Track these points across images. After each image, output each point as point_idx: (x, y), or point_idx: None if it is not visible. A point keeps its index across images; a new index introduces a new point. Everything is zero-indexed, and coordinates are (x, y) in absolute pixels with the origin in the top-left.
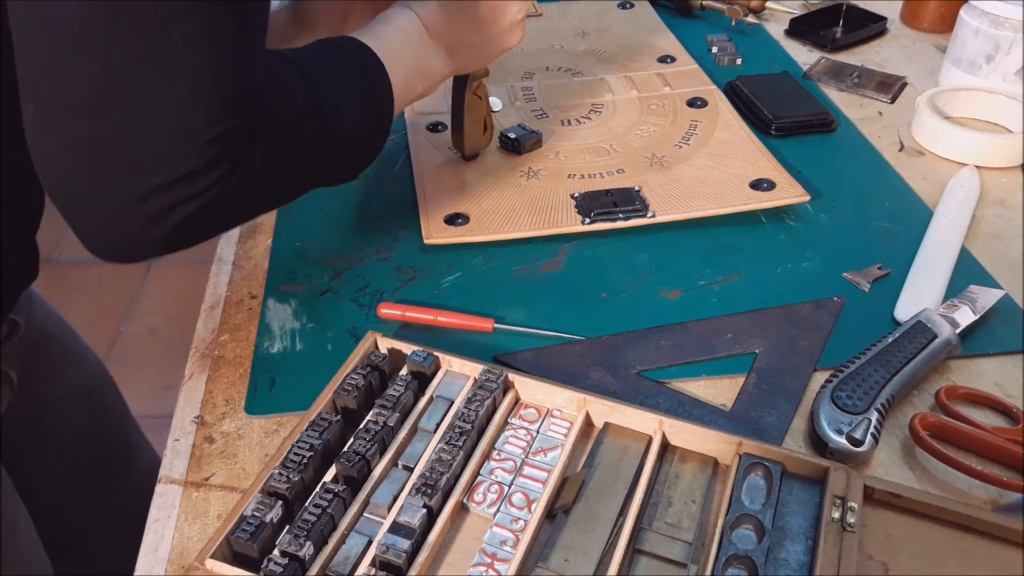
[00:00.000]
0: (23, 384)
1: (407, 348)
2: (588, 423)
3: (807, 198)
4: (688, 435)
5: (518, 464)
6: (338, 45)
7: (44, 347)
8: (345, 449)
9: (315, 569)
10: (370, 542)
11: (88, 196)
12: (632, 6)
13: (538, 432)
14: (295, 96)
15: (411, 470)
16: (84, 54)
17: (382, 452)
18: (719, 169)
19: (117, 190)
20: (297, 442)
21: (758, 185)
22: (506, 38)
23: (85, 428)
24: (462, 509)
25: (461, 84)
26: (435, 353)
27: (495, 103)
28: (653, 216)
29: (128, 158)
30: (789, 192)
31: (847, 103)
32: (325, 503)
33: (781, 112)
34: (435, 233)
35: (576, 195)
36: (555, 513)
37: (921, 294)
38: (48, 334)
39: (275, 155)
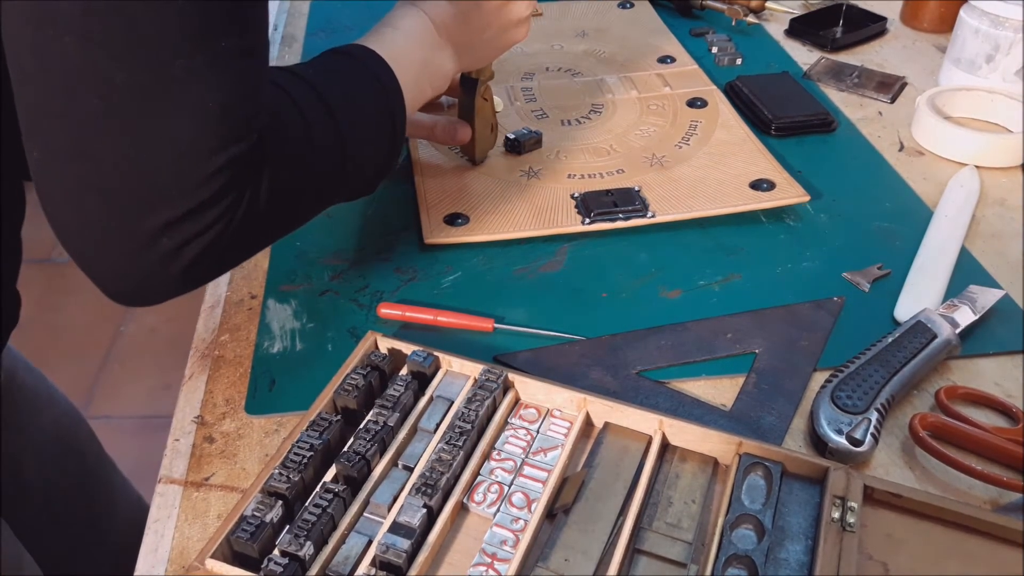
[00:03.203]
0: (1, 436)
1: (407, 348)
2: (588, 423)
3: (807, 198)
4: (688, 435)
5: (518, 464)
6: (348, 56)
7: (14, 395)
8: (345, 449)
9: (315, 569)
10: (370, 542)
11: (98, 240)
12: (632, 6)
13: (538, 432)
14: (306, 115)
15: (411, 470)
16: (84, 92)
17: (382, 452)
18: (719, 169)
19: (126, 232)
20: (297, 442)
21: (758, 185)
22: (513, 34)
23: (64, 474)
24: (462, 509)
25: (470, 90)
26: (435, 353)
27: (498, 103)
28: (653, 216)
29: (134, 197)
30: (789, 192)
31: (847, 103)
32: (325, 503)
33: (781, 112)
34: (435, 233)
35: (576, 195)
36: (555, 513)
37: (921, 294)
38: (17, 381)
39: (286, 178)
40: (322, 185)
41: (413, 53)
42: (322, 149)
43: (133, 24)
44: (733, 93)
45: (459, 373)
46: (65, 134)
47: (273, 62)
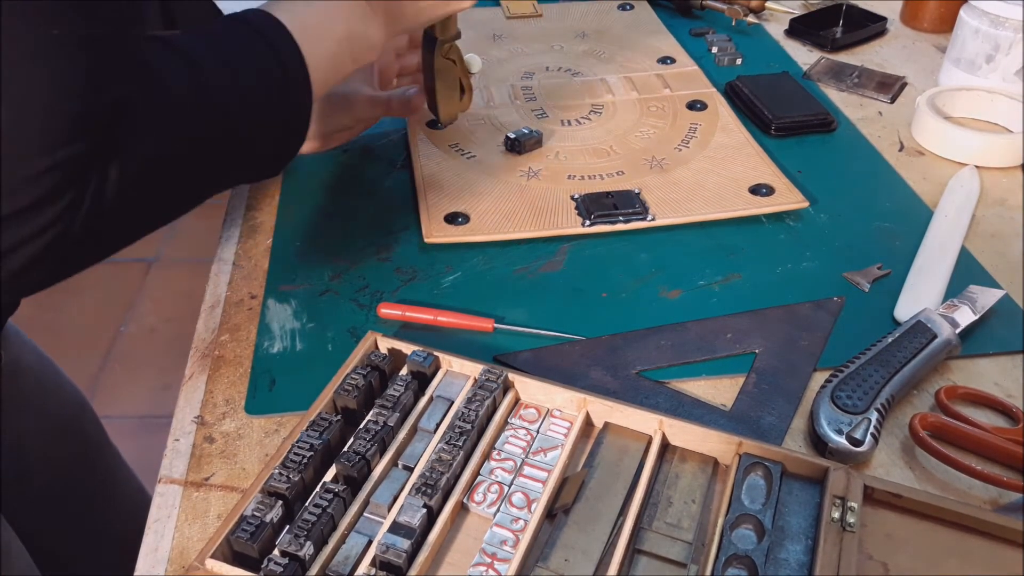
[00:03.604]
0: (3, 419)
1: (407, 348)
2: (588, 423)
3: (806, 204)
4: (688, 435)
5: (518, 464)
6: (245, 24)
7: (20, 380)
8: (345, 449)
9: (315, 569)
10: (370, 542)
11: None
12: (632, 7)
13: (538, 432)
14: (172, 95)
15: (411, 470)
16: None
17: (382, 452)
18: (718, 173)
19: None
20: (297, 442)
21: (757, 190)
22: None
23: (67, 460)
24: (462, 509)
25: (429, 49)
26: (435, 353)
27: (473, 62)
28: (653, 219)
29: None
30: (788, 198)
31: (847, 103)
32: (325, 503)
33: (781, 112)
34: (435, 232)
35: (576, 197)
36: (555, 513)
37: (921, 294)
38: (23, 366)
39: (145, 173)
40: (195, 174)
41: (330, 23)
42: (193, 138)
43: None
44: (733, 93)
45: (459, 373)
46: None
47: (164, 35)
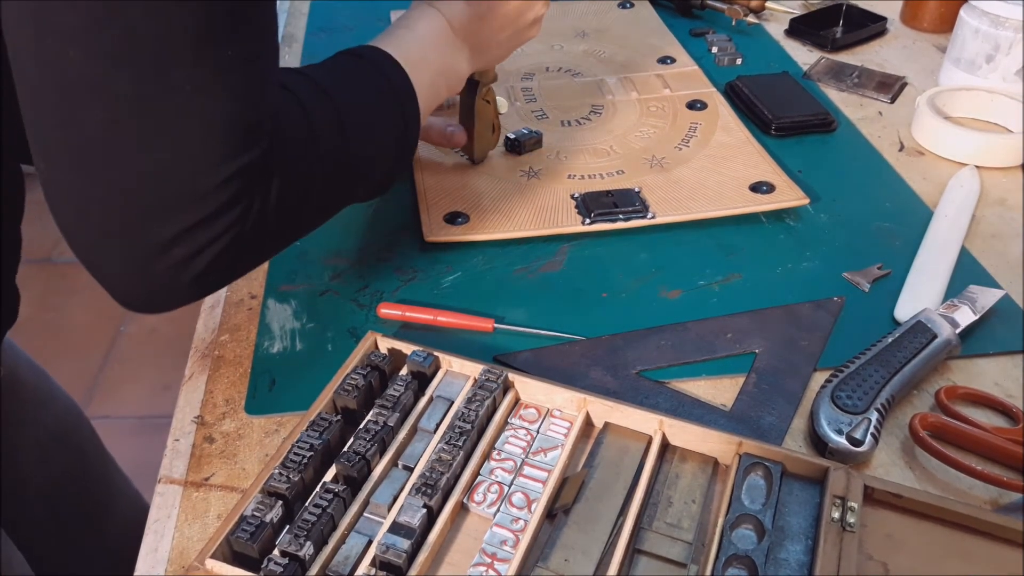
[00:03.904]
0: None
1: (407, 348)
2: (588, 423)
3: (806, 201)
4: (688, 435)
5: (518, 464)
6: (360, 57)
7: (15, 391)
8: (345, 449)
9: (315, 569)
10: (370, 542)
11: (108, 251)
12: (632, 6)
13: (538, 432)
14: (314, 119)
15: (411, 470)
16: (87, 104)
17: (382, 452)
18: (719, 171)
19: (135, 243)
20: (297, 442)
21: (757, 188)
22: (528, 33)
23: (63, 471)
24: (462, 509)
25: (472, 91)
26: (435, 353)
27: (502, 104)
28: (653, 217)
29: (142, 208)
30: (789, 195)
31: (847, 103)
32: (325, 503)
33: (781, 112)
34: (435, 231)
35: (576, 196)
36: (555, 513)
37: (921, 294)
38: (19, 378)
39: (295, 184)
40: (331, 189)
41: (429, 55)
42: (330, 153)
43: (135, 34)
44: (733, 93)
45: (459, 373)
46: (68, 144)
47: (293, 67)
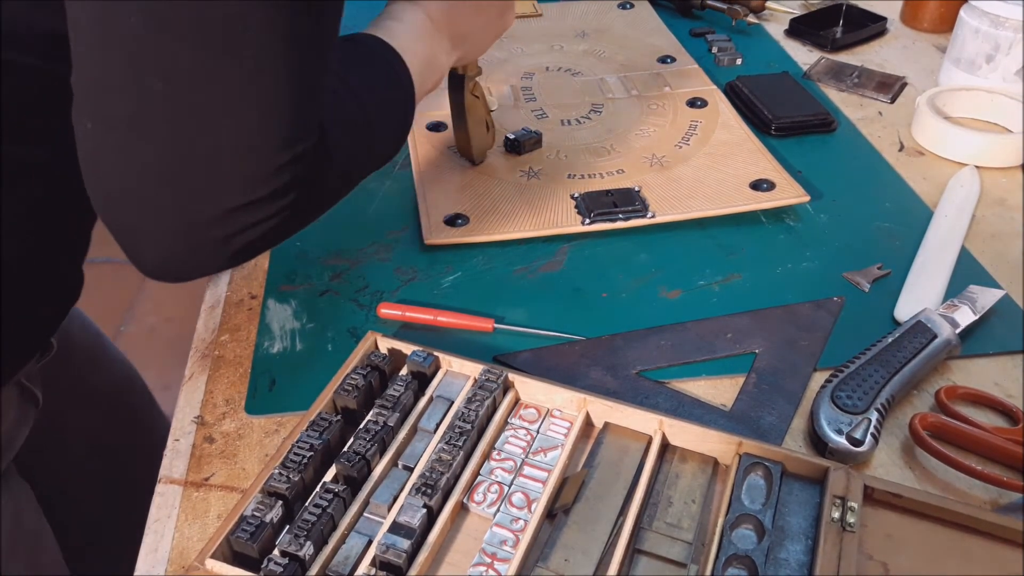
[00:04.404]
0: (45, 395)
1: (407, 348)
2: (588, 423)
3: (807, 198)
4: (688, 435)
5: (518, 464)
6: (364, 44)
7: (68, 355)
8: (345, 449)
9: (315, 569)
10: (370, 542)
11: (146, 218)
12: (632, 6)
13: (538, 432)
14: (344, 108)
15: (411, 470)
16: (146, 73)
17: (382, 452)
18: (719, 169)
19: (179, 216)
20: (297, 442)
21: (758, 186)
22: (501, 21)
23: (110, 434)
24: (462, 509)
25: (458, 88)
26: (435, 353)
27: (491, 101)
28: (653, 216)
29: (192, 184)
30: (789, 192)
31: (847, 103)
32: (325, 503)
33: (781, 112)
34: (435, 233)
35: (576, 195)
36: (555, 513)
37: (921, 294)
38: (71, 340)
39: (343, 169)
40: (357, 170)
41: (417, 46)
42: (354, 135)
43: (204, 9)
44: (733, 93)
45: (459, 373)
46: (125, 109)
47: None
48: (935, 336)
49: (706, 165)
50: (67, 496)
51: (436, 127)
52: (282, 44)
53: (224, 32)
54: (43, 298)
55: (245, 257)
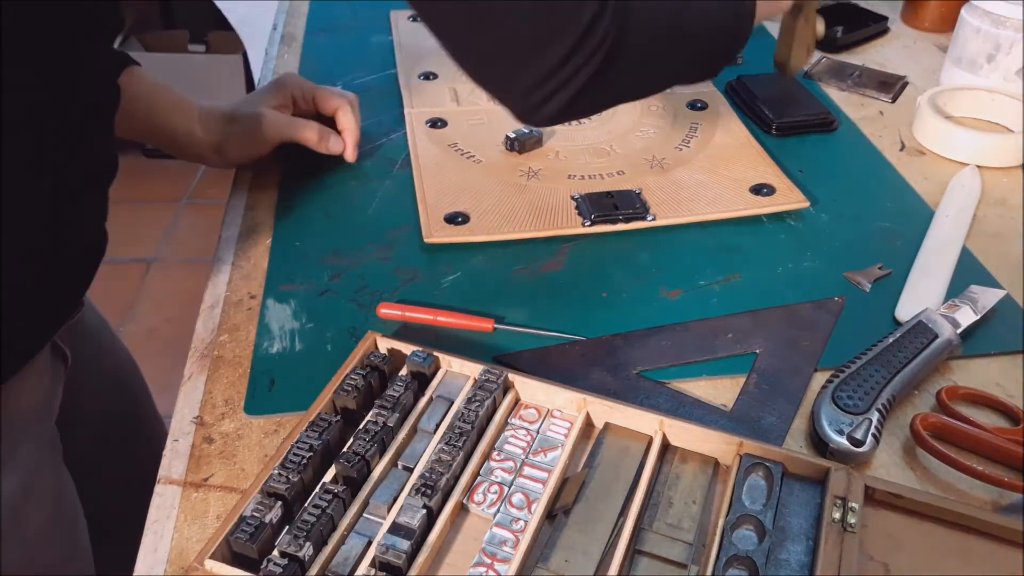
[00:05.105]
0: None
1: (407, 348)
2: (588, 423)
3: (807, 204)
4: (688, 435)
5: (518, 464)
6: None
7: (84, 336)
8: (345, 449)
9: (315, 570)
10: (370, 542)
11: (491, 77)
12: None
13: (538, 432)
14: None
15: (411, 470)
16: None
17: (382, 452)
18: (719, 173)
19: (523, 69)
20: (297, 442)
21: (758, 190)
22: None
23: (119, 417)
24: (462, 509)
25: (796, 11)
26: (435, 353)
27: (820, 27)
28: (653, 219)
29: (530, 38)
30: (789, 198)
31: (848, 103)
32: (325, 503)
33: (783, 112)
34: (435, 232)
35: (576, 196)
36: (555, 513)
37: (922, 294)
38: (87, 323)
39: (647, 27)
40: (672, 49)
41: None
42: (672, 9)
43: None
44: (734, 93)
45: (459, 373)
46: None
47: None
48: (936, 336)
49: (706, 168)
50: (82, 477)
51: (435, 123)
52: None
53: None
54: (76, 247)
55: (573, 109)
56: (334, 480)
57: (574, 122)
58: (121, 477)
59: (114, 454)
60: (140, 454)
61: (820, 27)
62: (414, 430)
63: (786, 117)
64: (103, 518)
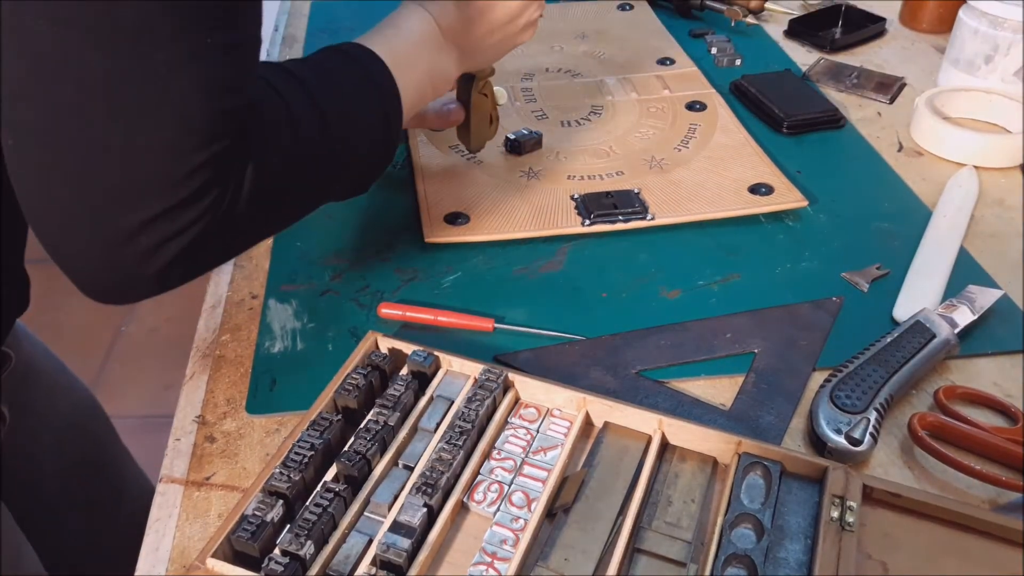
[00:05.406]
0: (15, 418)
1: (407, 348)
2: (588, 423)
3: (805, 203)
4: (687, 434)
5: (518, 463)
6: (345, 54)
7: (34, 381)
8: (346, 448)
9: (316, 568)
10: (371, 541)
11: (72, 236)
12: (631, 8)
13: (538, 431)
14: (293, 113)
15: (411, 469)
16: (59, 79)
17: (383, 451)
18: (718, 173)
19: (102, 228)
20: (298, 441)
21: (756, 190)
22: (520, 36)
23: (80, 459)
24: (462, 508)
25: (467, 85)
26: (435, 353)
27: (501, 94)
28: (653, 219)
29: (110, 192)
30: (788, 197)
31: (846, 104)
32: (326, 502)
33: (792, 110)
34: (435, 232)
35: (576, 196)
36: (555, 512)
37: (920, 294)
38: (36, 367)
39: (270, 177)
40: (306, 185)
41: (415, 55)
42: (308, 148)
43: (113, 11)
44: (739, 92)
45: (459, 373)
46: (38, 120)
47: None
48: (934, 336)
49: (705, 168)
50: (46, 521)
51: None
52: (194, 45)
53: (135, 33)
54: None
55: (175, 276)
56: (335, 479)
57: (573, 123)
58: (85, 523)
59: (77, 500)
60: (103, 497)
61: (501, 96)
62: (415, 429)
63: (797, 115)
64: (74, 559)
